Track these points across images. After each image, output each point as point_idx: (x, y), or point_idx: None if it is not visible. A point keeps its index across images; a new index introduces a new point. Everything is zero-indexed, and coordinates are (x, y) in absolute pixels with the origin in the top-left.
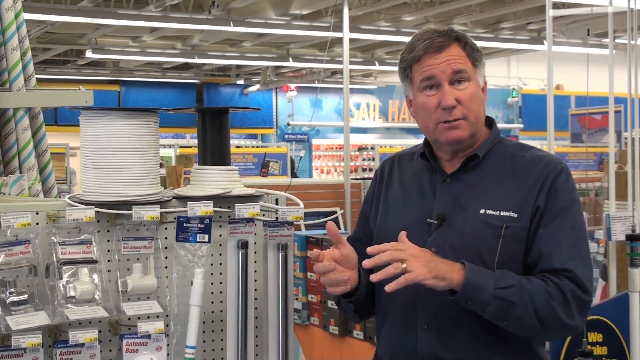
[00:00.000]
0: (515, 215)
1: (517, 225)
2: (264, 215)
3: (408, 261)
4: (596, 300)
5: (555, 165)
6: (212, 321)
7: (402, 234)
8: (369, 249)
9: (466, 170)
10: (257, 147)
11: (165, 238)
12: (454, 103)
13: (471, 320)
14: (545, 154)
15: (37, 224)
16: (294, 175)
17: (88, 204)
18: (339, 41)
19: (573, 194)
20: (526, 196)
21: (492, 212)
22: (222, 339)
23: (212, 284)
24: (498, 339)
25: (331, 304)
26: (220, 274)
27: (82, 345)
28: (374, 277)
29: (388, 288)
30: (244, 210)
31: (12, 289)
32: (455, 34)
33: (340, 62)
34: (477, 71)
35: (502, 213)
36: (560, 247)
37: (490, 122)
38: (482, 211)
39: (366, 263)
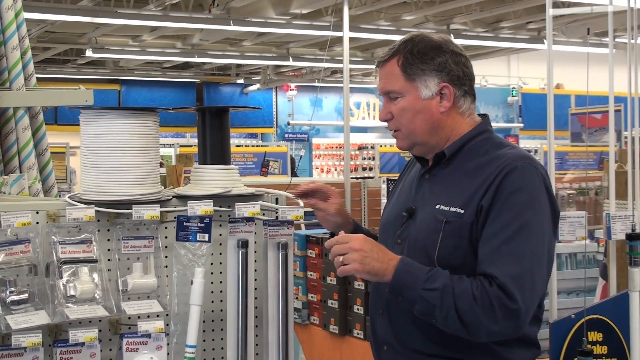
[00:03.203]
0: (461, 211)
1: (459, 220)
2: (264, 214)
3: (346, 255)
4: (596, 299)
5: (509, 164)
6: (212, 320)
7: (341, 233)
8: (326, 244)
9: (439, 167)
10: (257, 146)
11: (166, 237)
12: (385, 117)
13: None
14: (513, 153)
15: (37, 223)
16: (294, 174)
17: (88, 203)
18: (339, 40)
19: (526, 193)
20: (474, 193)
21: (444, 208)
22: (222, 339)
23: (212, 283)
24: (444, 332)
25: (331, 303)
26: (220, 273)
27: (82, 344)
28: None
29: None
30: (244, 210)
31: (12, 288)
32: (397, 48)
33: (340, 61)
34: (417, 83)
35: (452, 208)
36: (496, 251)
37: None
38: (437, 207)
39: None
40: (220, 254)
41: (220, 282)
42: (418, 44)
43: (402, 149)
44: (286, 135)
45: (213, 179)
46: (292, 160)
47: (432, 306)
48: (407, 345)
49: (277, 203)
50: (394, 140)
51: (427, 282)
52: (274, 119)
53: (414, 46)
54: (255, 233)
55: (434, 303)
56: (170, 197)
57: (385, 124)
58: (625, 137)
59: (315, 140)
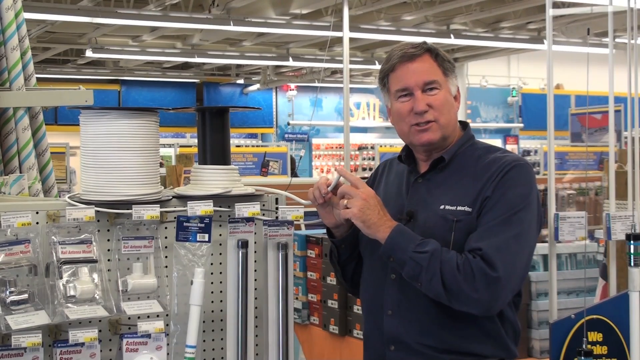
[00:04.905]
0: (469, 209)
1: (469, 218)
2: (264, 214)
3: (352, 199)
4: (596, 299)
5: (510, 162)
6: (212, 321)
7: (358, 186)
8: (339, 170)
9: (435, 171)
10: (257, 146)
11: (165, 237)
12: (425, 108)
13: (432, 308)
14: (510, 155)
15: (37, 223)
16: (294, 174)
17: (88, 203)
18: (339, 40)
19: (523, 188)
20: (480, 191)
21: (450, 208)
22: (222, 339)
23: (212, 283)
24: (462, 325)
25: (331, 303)
26: (220, 273)
27: (82, 344)
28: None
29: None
30: (244, 210)
31: (12, 289)
32: (427, 46)
33: (340, 62)
34: (448, 80)
35: (459, 208)
36: (485, 230)
37: (465, 126)
38: (441, 207)
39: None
40: (220, 254)
41: (220, 282)
42: (437, 49)
43: (431, 142)
44: (286, 136)
45: (213, 179)
46: (292, 160)
47: (420, 267)
48: (421, 341)
49: (277, 203)
50: (393, 141)
51: (419, 246)
52: (274, 119)
53: (437, 50)
54: (255, 233)
55: (422, 264)
56: (170, 197)
57: (385, 123)
58: (625, 137)
59: (315, 141)
